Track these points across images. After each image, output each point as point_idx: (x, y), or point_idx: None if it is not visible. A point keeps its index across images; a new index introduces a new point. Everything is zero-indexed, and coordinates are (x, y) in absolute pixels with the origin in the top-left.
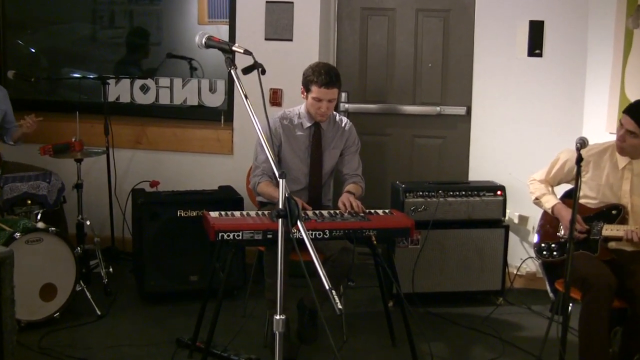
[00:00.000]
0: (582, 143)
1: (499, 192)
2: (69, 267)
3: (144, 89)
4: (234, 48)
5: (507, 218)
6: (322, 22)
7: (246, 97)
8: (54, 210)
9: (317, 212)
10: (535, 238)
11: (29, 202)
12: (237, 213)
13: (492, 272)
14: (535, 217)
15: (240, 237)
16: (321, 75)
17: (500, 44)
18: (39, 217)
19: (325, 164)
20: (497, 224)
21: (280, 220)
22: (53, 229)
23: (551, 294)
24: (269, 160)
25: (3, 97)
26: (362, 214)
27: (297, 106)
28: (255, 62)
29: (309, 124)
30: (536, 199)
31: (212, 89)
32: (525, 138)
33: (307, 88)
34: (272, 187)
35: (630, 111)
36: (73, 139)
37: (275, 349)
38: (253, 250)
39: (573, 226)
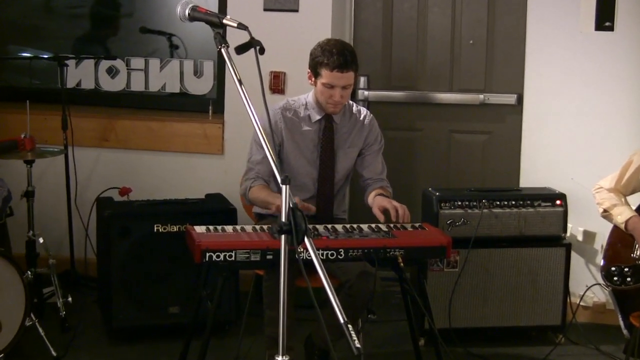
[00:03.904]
0: None
1: (558, 202)
2: (16, 296)
3: (112, 72)
4: (225, 21)
5: (568, 234)
6: None
7: (240, 82)
8: None
9: (329, 226)
10: (603, 260)
11: None
12: (229, 228)
13: (550, 302)
14: (604, 233)
15: (232, 258)
16: (333, 56)
17: (561, 15)
18: None
19: (339, 167)
20: (557, 241)
21: (283, 236)
22: None
23: (625, 331)
24: (266, 162)
25: None
26: (386, 228)
27: (303, 94)
28: (252, 38)
29: (318, 117)
30: (605, 211)
31: (197, 73)
32: (592, 134)
33: (315, 72)
34: (268, 190)
35: None
36: (22, 136)
37: None
38: (249, 275)
39: None
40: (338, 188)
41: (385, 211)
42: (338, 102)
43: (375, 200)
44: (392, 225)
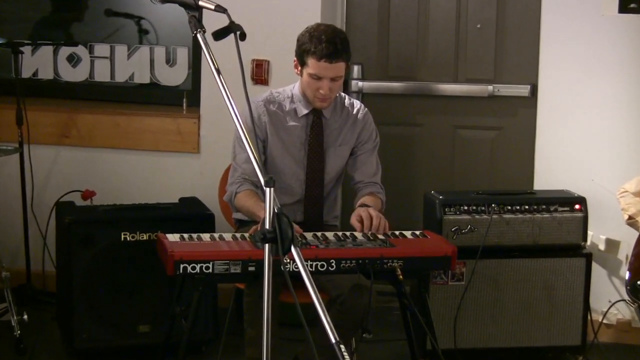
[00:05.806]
0: None
1: (577, 206)
2: None
3: (73, 60)
4: (201, 3)
5: (589, 243)
6: None
7: (219, 72)
8: None
9: (319, 234)
10: (628, 272)
11: None
12: (205, 236)
13: (569, 320)
14: (629, 241)
15: (210, 270)
16: (321, 44)
17: None
18: None
19: (329, 167)
20: (576, 251)
21: (266, 245)
22: None
23: None
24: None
25: None
26: (383, 236)
27: (289, 85)
28: (232, 22)
29: (305, 111)
30: (630, 217)
31: (170, 61)
32: (615, 130)
33: (301, 61)
34: (256, 198)
35: None
36: None
37: None
38: (229, 289)
39: None
40: (328, 191)
41: (360, 221)
42: (326, 95)
43: (356, 209)
44: (389, 233)
